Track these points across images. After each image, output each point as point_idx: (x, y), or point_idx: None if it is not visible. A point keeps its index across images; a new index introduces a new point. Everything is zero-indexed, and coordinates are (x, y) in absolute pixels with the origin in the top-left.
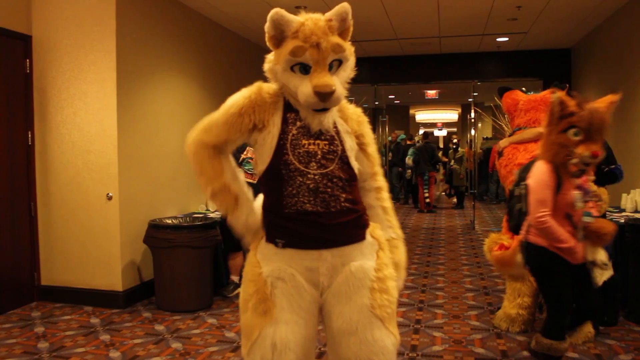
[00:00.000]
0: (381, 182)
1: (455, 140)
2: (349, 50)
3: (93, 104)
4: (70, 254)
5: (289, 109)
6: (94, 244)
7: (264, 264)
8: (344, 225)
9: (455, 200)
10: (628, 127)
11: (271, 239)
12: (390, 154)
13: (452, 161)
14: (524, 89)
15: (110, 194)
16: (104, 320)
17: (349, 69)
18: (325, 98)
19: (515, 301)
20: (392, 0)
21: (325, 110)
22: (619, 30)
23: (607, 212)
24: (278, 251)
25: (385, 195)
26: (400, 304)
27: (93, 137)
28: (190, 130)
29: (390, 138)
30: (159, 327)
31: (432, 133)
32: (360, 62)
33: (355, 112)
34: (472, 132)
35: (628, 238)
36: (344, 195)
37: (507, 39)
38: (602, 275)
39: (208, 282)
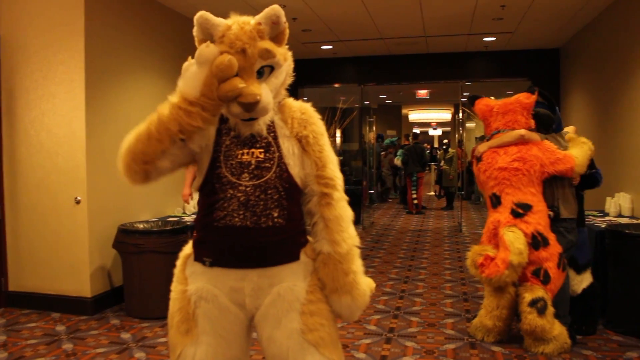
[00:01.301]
0: (328, 187)
1: (445, 141)
2: (282, 55)
3: (62, 105)
4: (39, 259)
5: (224, 119)
6: (63, 248)
7: (191, 281)
8: (274, 244)
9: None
10: (613, 130)
11: (199, 257)
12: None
13: (442, 162)
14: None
15: (78, 197)
16: (70, 328)
17: (282, 75)
18: (249, 108)
19: (493, 312)
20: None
21: (253, 120)
22: (606, 30)
23: (591, 217)
24: (205, 270)
25: (332, 201)
26: (376, 311)
27: (61, 139)
28: None
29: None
30: (125, 336)
31: (425, 134)
32: (346, 61)
33: (299, 110)
34: (461, 131)
35: (608, 245)
36: (277, 210)
37: (494, 38)
38: (581, 283)
39: None
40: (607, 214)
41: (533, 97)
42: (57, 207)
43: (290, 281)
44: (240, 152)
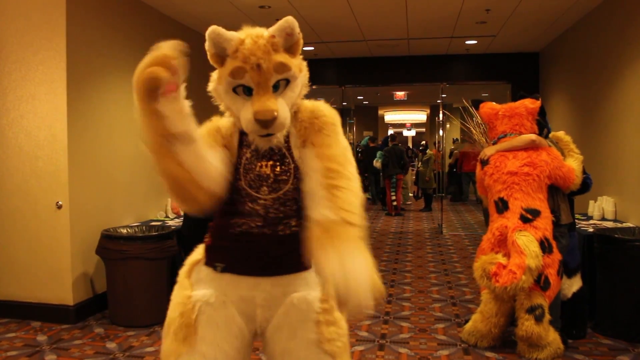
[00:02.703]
0: (340, 180)
1: (423, 142)
2: (297, 66)
3: (42, 107)
4: (18, 266)
5: (243, 131)
6: (43, 255)
7: (197, 287)
8: (290, 252)
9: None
10: (595, 134)
11: (210, 262)
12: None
13: (420, 163)
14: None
15: (60, 202)
16: (52, 338)
17: (298, 87)
18: (266, 125)
19: (490, 319)
20: (359, 1)
21: (270, 135)
22: (587, 35)
23: (576, 220)
24: (215, 276)
25: (342, 182)
26: (366, 317)
27: (41, 142)
28: None
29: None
30: (111, 345)
31: (399, 134)
32: (327, 63)
33: (308, 112)
34: (441, 133)
35: (596, 249)
36: (295, 220)
37: (476, 42)
38: (571, 287)
39: (164, 295)
40: (590, 217)
41: (538, 103)
42: (37, 212)
43: (304, 290)
44: (259, 164)
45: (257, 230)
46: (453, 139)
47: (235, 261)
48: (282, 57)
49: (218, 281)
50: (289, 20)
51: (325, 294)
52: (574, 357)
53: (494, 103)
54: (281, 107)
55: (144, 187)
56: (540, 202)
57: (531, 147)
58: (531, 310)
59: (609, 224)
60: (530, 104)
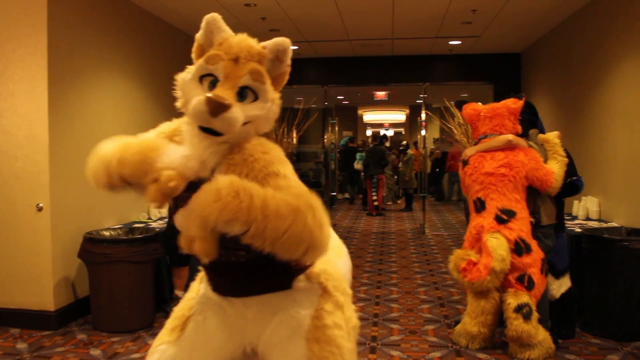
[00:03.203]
0: None
1: (404, 142)
2: (272, 92)
3: (21, 106)
4: None
5: None
6: (23, 259)
7: (205, 291)
8: (259, 275)
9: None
10: (578, 135)
11: (206, 279)
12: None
13: (400, 163)
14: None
15: (40, 204)
16: (33, 345)
17: (263, 111)
18: (215, 111)
19: (477, 319)
20: (347, 0)
21: (211, 132)
22: (567, 38)
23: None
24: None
25: None
26: None
27: (21, 141)
28: (134, 132)
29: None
30: (95, 352)
31: (384, 136)
32: (310, 63)
33: (248, 152)
34: (423, 133)
35: (585, 249)
36: (243, 250)
37: (459, 42)
38: (559, 288)
39: (150, 299)
40: (575, 217)
41: (520, 103)
42: (16, 214)
43: (293, 309)
44: (187, 194)
45: (219, 259)
46: (433, 138)
47: (216, 284)
48: (262, 70)
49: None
50: (286, 41)
51: (318, 310)
52: (565, 357)
53: (479, 104)
54: (237, 108)
55: None
56: (515, 203)
57: (508, 147)
58: (518, 309)
59: (594, 224)
60: (512, 103)
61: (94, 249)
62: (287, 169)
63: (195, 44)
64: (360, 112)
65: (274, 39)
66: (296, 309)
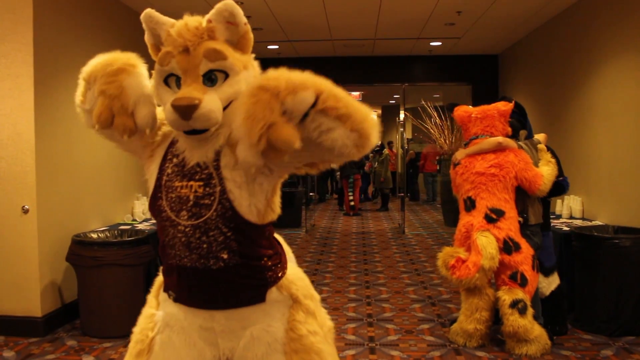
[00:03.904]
0: None
1: (378, 143)
2: (239, 61)
3: (5, 103)
4: None
5: (173, 141)
6: (8, 263)
7: (164, 306)
8: (233, 285)
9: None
10: (559, 133)
11: (165, 288)
12: None
13: (376, 163)
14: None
15: (26, 206)
16: (20, 353)
17: (240, 85)
18: (185, 114)
19: (472, 316)
20: (334, 1)
21: (196, 133)
22: (545, 41)
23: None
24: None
25: None
26: (349, 319)
27: (5, 141)
28: None
29: None
30: (88, 359)
31: None
32: (290, 62)
33: None
34: (402, 132)
35: (574, 247)
36: (226, 252)
37: (440, 43)
38: (549, 285)
39: (141, 303)
40: (559, 216)
41: (510, 105)
42: (0, 217)
43: (264, 322)
44: (180, 184)
45: (189, 264)
46: (407, 138)
47: (181, 295)
48: (217, 45)
49: (178, 306)
50: (228, 3)
51: (290, 322)
52: (560, 353)
53: (469, 106)
54: (210, 98)
55: (111, 189)
56: (505, 203)
57: (499, 149)
58: (513, 304)
59: (579, 222)
60: (502, 106)
61: (83, 252)
62: None
63: (149, 46)
64: None
65: (216, 5)
66: (267, 322)
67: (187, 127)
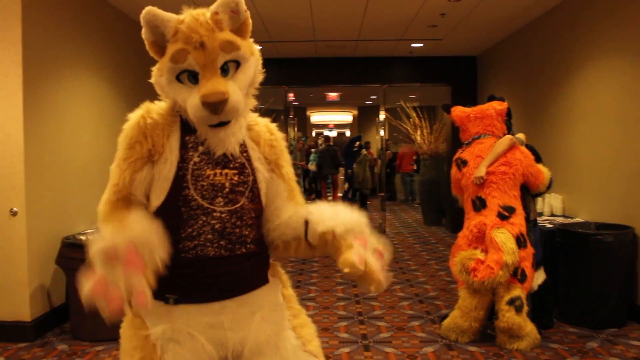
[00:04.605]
0: (300, 200)
1: (357, 143)
2: (248, 48)
3: None
4: None
5: (188, 130)
6: None
7: (152, 324)
8: (250, 269)
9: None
10: (538, 133)
11: (160, 295)
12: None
13: (354, 164)
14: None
15: (14, 208)
16: (10, 358)
17: (250, 71)
18: (216, 109)
19: (470, 314)
20: (321, 2)
21: (222, 125)
22: (525, 43)
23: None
24: (170, 309)
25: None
26: (340, 318)
27: None
28: (106, 134)
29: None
30: None
31: (320, 134)
32: (270, 63)
33: (267, 131)
34: (382, 133)
35: (559, 242)
36: (251, 236)
37: (421, 44)
38: (537, 279)
39: None
40: (541, 214)
41: (505, 104)
42: None
43: (269, 302)
44: (213, 172)
45: (213, 253)
46: (385, 139)
47: (190, 290)
48: (228, 36)
49: (176, 313)
50: None
51: (287, 298)
52: (548, 346)
53: (463, 107)
54: (233, 89)
55: (98, 191)
56: (514, 200)
57: (514, 147)
58: (511, 302)
59: (560, 219)
60: (498, 105)
61: (73, 254)
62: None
63: (147, 43)
64: (308, 113)
65: None
66: (272, 302)
67: (217, 121)
